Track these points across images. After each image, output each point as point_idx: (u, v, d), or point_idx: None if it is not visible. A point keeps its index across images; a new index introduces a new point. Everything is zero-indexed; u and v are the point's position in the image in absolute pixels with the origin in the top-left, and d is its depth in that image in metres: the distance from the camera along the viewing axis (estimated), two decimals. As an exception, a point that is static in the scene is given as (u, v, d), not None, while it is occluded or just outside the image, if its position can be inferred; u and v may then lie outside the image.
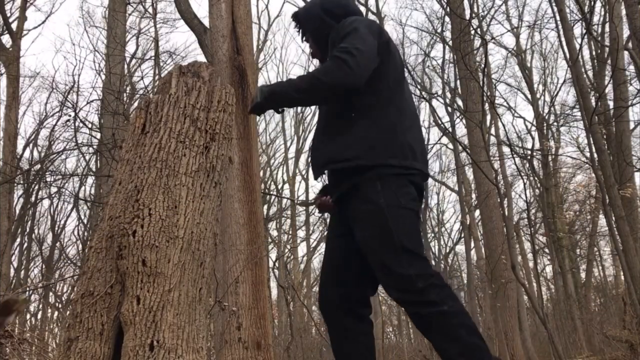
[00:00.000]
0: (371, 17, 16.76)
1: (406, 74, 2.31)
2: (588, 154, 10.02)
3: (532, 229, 16.32)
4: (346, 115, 2.12)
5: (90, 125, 9.24)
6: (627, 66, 11.30)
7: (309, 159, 2.25)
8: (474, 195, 16.60)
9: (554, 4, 9.22)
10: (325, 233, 23.33)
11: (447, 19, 14.48)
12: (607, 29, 12.09)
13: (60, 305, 15.50)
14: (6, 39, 11.93)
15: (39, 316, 17.21)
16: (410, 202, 2.03)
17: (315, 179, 2.22)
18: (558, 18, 8.72)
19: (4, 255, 10.15)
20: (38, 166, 14.18)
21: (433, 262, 22.39)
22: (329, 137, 2.15)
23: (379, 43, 2.12)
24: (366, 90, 2.09)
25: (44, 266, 17.42)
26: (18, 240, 16.35)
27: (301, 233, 23.03)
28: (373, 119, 2.07)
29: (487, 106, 13.02)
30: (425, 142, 2.25)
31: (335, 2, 2.29)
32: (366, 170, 2.03)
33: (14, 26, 12.02)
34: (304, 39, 2.40)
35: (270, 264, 17.88)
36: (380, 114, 2.08)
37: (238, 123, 5.35)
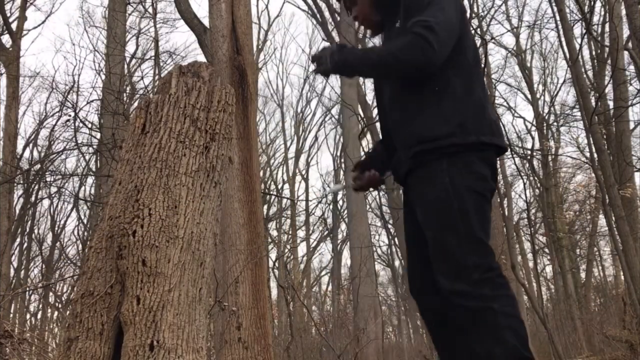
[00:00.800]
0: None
1: None
2: (588, 154, 10.04)
3: (532, 229, 16.32)
4: (428, 89, 1.94)
5: (90, 125, 9.25)
6: (627, 66, 11.30)
7: (386, 133, 2.16)
8: (474, 195, 16.57)
9: (554, 4, 9.23)
10: (325, 233, 23.30)
11: (447, 19, 14.46)
12: (607, 29, 12.09)
13: (60, 305, 15.50)
14: (6, 39, 11.95)
15: (39, 316, 17.23)
16: (479, 183, 1.86)
17: (405, 159, 1.99)
18: (558, 18, 8.73)
19: (4, 255, 10.15)
20: (38, 166, 14.18)
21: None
22: (413, 111, 1.96)
23: (461, 15, 1.97)
24: (448, 64, 1.92)
25: (44, 266, 17.43)
26: (18, 240, 16.35)
27: (301, 233, 23.07)
28: (460, 94, 1.92)
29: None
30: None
31: None
32: (446, 148, 1.88)
33: (14, 26, 12.03)
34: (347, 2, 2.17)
35: (270, 264, 17.89)
36: (465, 88, 1.93)
37: (238, 123, 5.36)
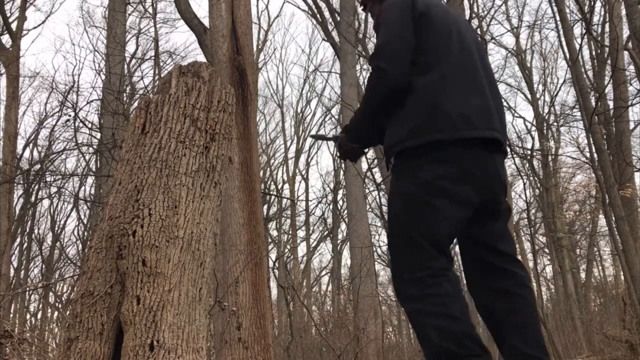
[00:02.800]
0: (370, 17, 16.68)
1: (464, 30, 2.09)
2: (588, 154, 10.04)
3: (532, 229, 16.32)
4: (394, 99, 2.02)
5: (90, 125, 9.25)
6: (627, 66, 11.29)
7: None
8: (474, 195, 16.59)
9: (554, 4, 9.23)
10: (325, 233, 23.30)
11: (447, 19, 14.47)
12: (607, 29, 12.09)
13: (60, 305, 15.50)
14: (6, 39, 11.95)
15: (39, 316, 17.23)
16: (417, 189, 1.87)
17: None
18: (558, 18, 8.73)
19: (4, 255, 10.15)
20: (38, 166, 14.19)
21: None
22: (388, 123, 2.05)
23: (412, 20, 1.99)
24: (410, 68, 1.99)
25: (44, 266, 17.43)
26: (18, 240, 16.36)
27: (301, 233, 23.05)
28: (417, 95, 1.94)
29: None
30: (490, 103, 1.98)
31: None
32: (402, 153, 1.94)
33: (13, 26, 12.03)
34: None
35: (270, 264, 17.88)
36: (423, 88, 1.94)
37: (238, 123, 5.35)
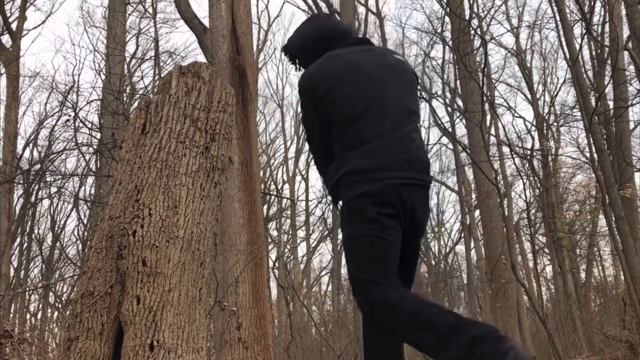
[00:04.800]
0: (371, 17, 16.67)
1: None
2: (588, 154, 10.03)
3: (532, 229, 16.31)
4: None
5: (90, 125, 9.23)
6: (627, 66, 11.28)
7: None
8: (474, 195, 16.61)
9: (554, 4, 9.23)
10: (325, 233, 23.32)
11: (447, 19, 14.50)
12: (607, 29, 12.09)
13: (60, 305, 15.49)
14: (6, 39, 11.94)
15: (39, 316, 17.22)
16: (359, 226, 2.03)
17: None
18: (558, 18, 8.73)
19: (4, 255, 10.15)
20: (38, 166, 14.18)
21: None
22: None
23: (316, 105, 2.14)
24: (332, 136, 2.17)
25: (44, 266, 17.43)
26: (18, 240, 16.35)
27: (301, 233, 23.04)
28: (339, 157, 2.13)
29: (487, 106, 13.03)
30: (407, 144, 2.12)
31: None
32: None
33: (14, 26, 12.03)
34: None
35: (270, 264, 17.89)
36: (345, 150, 2.10)
37: (238, 123, 5.36)
